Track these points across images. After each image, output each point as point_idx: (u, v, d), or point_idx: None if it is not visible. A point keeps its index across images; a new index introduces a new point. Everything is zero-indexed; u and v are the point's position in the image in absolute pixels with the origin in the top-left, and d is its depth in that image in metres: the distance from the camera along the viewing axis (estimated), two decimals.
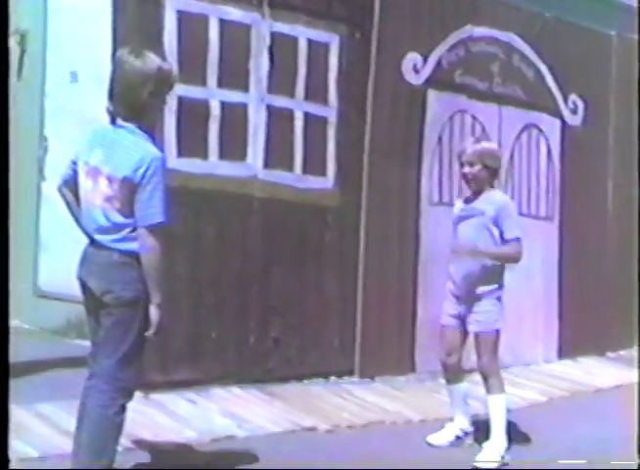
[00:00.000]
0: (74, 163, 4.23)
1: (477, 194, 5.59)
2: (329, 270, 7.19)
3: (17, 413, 5.25)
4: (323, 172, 7.09)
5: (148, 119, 4.21)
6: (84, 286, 4.18)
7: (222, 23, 6.40)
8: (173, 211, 6.10)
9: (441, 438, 5.77)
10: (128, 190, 4.02)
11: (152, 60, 4.09)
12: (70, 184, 4.23)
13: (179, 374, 6.30)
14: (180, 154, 6.24)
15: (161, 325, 4.14)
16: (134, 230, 4.07)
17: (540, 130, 8.61)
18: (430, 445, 5.70)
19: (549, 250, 8.72)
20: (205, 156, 6.39)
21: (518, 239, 5.54)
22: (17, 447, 4.66)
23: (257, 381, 6.66)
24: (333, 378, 7.20)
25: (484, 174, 5.53)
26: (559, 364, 8.65)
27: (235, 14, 6.49)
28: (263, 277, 6.78)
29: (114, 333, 4.12)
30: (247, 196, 6.65)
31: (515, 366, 8.28)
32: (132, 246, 4.07)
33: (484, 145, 5.66)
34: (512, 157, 8.35)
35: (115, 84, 4.11)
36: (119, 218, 4.06)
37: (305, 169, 6.96)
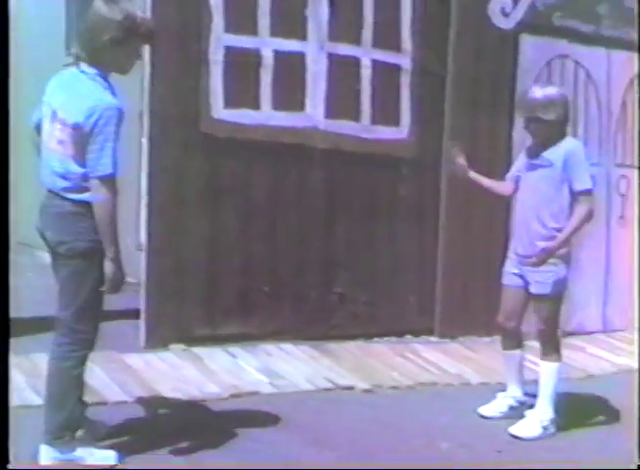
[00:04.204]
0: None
1: (544, 146, 5.12)
2: (404, 225, 6.91)
3: None
4: (396, 122, 6.79)
5: (112, 68, 4.09)
6: (44, 238, 4.15)
7: None
8: (220, 162, 6.15)
9: (493, 409, 5.38)
10: (80, 137, 3.93)
11: (120, 8, 3.99)
12: (40, 128, 4.19)
13: (227, 328, 6.22)
14: (227, 104, 6.09)
15: (117, 280, 4.03)
16: (88, 179, 3.99)
17: None
18: (481, 416, 5.35)
19: None
20: (256, 106, 6.21)
21: (588, 191, 5.06)
22: None
23: (320, 338, 6.49)
24: (408, 337, 6.95)
25: (549, 125, 5.04)
26: None
27: None
28: (326, 231, 6.59)
29: (70, 285, 4.08)
30: (307, 147, 6.44)
31: (623, 331, 7.78)
32: (86, 195, 3.99)
33: (549, 92, 5.09)
34: (624, 104, 7.73)
35: (81, 27, 4.11)
36: (73, 166, 3.98)
37: (375, 119, 6.68)
